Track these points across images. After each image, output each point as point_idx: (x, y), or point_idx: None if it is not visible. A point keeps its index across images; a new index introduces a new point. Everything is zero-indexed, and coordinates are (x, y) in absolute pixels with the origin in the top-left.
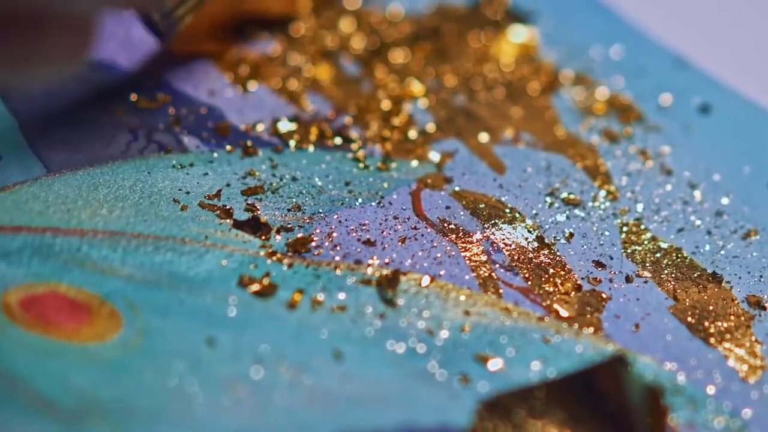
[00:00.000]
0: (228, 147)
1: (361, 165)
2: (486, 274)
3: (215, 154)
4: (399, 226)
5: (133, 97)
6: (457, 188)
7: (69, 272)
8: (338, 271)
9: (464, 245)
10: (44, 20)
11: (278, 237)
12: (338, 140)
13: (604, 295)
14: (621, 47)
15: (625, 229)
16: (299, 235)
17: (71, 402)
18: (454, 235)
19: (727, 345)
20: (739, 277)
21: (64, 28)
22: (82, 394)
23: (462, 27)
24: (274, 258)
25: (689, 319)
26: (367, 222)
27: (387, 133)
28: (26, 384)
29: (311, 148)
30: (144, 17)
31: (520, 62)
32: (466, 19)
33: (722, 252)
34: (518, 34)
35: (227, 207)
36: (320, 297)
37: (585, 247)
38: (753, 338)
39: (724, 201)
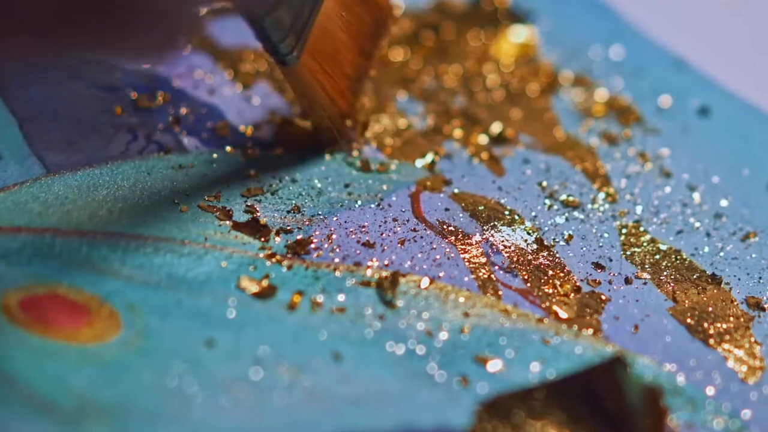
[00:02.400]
0: (228, 148)
1: (361, 167)
2: (485, 276)
3: (215, 155)
4: (398, 228)
5: (133, 95)
6: (456, 190)
7: (68, 273)
8: (338, 273)
9: (463, 247)
10: (137, 11)
11: (278, 239)
12: (338, 141)
13: (603, 297)
14: (620, 48)
15: (624, 231)
16: (299, 237)
17: (71, 402)
18: (453, 237)
19: (726, 346)
20: (739, 279)
21: (158, 20)
22: (82, 395)
23: (461, 25)
24: (274, 260)
25: (689, 320)
26: (366, 224)
27: (386, 134)
28: (26, 384)
29: (311, 150)
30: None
31: (520, 63)
32: (465, 17)
33: (721, 254)
34: (518, 34)
35: (227, 208)
36: (320, 298)
37: (584, 249)
38: (752, 339)
39: (723, 203)
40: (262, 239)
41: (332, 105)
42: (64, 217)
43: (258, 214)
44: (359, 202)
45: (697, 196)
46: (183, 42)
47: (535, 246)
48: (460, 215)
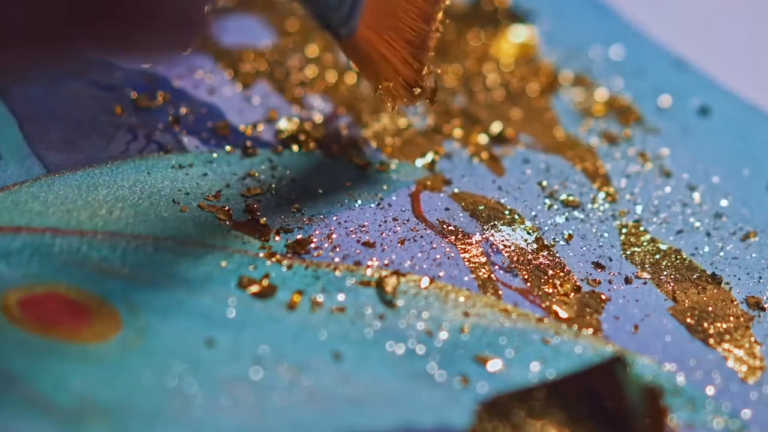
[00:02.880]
0: (228, 147)
1: (361, 166)
2: (485, 276)
3: (215, 155)
4: (398, 228)
5: (133, 95)
6: (456, 190)
7: (68, 273)
8: (337, 273)
9: (463, 247)
10: (153, 12)
11: (278, 238)
12: (338, 141)
13: (603, 297)
14: (620, 47)
15: (624, 230)
16: (298, 237)
17: (71, 402)
18: (453, 237)
19: (726, 346)
20: (739, 279)
21: (172, 20)
22: (82, 395)
23: (461, 25)
24: (274, 259)
25: (688, 320)
26: (366, 223)
27: (386, 134)
28: (26, 384)
29: (311, 149)
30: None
31: (520, 62)
32: (465, 17)
33: (721, 253)
34: (518, 34)
35: (227, 208)
36: (319, 298)
37: (584, 248)
38: (752, 339)
39: (723, 203)
40: (262, 239)
41: (397, 75)
42: (64, 216)
43: (258, 213)
44: (359, 202)
45: (697, 196)
46: (194, 37)
47: (535, 245)
48: (460, 215)
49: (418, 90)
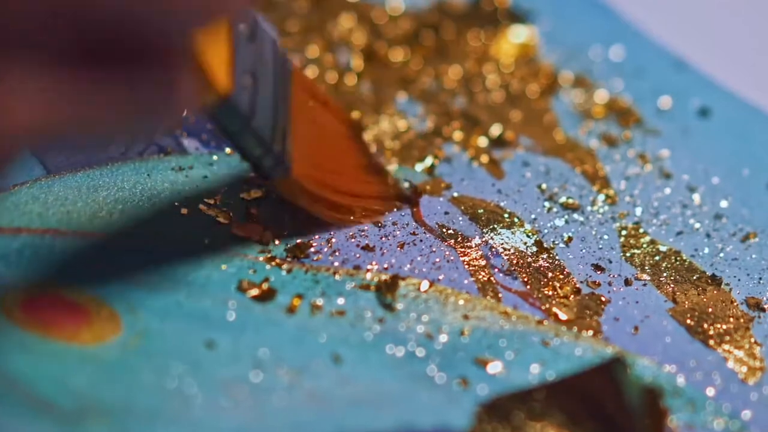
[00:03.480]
0: (228, 150)
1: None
2: (485, 279)
3: (215, 157)
4: (398, 232)
5: None
6: (455, 194)
7: (68, 274)
8: (337, 276)
9: (463, 250)
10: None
11: (277, 242)
12: None
13: (603, 299)
14: (620, 48)
15: (624, 232)
16: (298, 241)
17: (70, 403)
18: (452, 240)
19: (726, 347)
20: (739, 280)
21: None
22: (82, 396)
23: (461, 25)
24: (273, 263)
25: (688, 321)
26: (366, 228)
27: (386, 137)
28: (26, 385)
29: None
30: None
31: (520, 63)
32: (465, 17)
33: (721, 254)
34: (518, 34)
35: (226, 211)
36: (319, 302)
37: (584, 251)
38: (752, 340)
39: (723, 204)
40: (262, 242)
41: (359, 199)
42: (64, 218)
43: (258, 217)
44: None
45: (697, 197)
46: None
47: (534, 248)
48: (460, 218)
49: (399, 198)
